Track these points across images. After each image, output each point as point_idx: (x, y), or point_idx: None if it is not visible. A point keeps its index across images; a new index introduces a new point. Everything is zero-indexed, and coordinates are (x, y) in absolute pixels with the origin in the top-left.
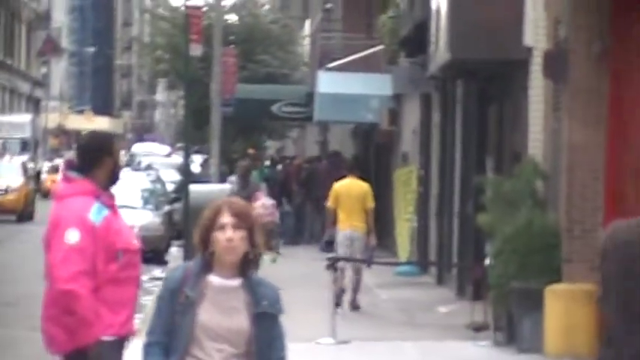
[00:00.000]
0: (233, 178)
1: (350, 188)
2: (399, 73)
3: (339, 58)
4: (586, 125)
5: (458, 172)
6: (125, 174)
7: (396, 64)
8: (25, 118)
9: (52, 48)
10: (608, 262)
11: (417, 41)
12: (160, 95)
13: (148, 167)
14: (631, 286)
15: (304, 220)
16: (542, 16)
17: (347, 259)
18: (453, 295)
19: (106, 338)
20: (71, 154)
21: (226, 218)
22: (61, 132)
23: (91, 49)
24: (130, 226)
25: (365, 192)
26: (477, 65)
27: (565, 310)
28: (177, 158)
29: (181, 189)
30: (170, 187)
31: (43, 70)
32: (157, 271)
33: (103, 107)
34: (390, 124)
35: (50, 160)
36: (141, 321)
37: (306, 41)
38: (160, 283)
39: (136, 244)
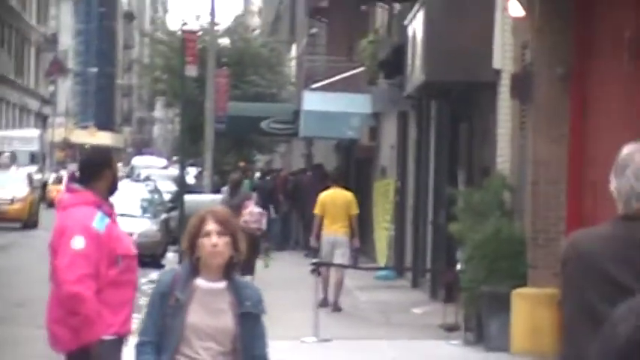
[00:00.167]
0: (226, 188)
1: (335, 197)
2: (378, 93)
3: (323, 79)
4: (549, 142)
5: (432, 184)
6: (125, 185)
7: (376, 84)
8: (33, 132)
9: (58, 68)
10: (570, 268)
11: (394, 64)
12: (158, 112)
13: (147, 178)
14: (590, 291)
15: (290, 227)
16: (509, 41)
17: (330, 264)
18: (426, 298)
19: (107, 337)
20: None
21: (211, 226)
22: (66, 146)
23: (95, 70)
24: (128, 233)
25: (349, 200)
26: (450, 86)
27: (530, 312)
28: (174, 170)
29: (177, 199)
30: (167, 196)
31: (51, 88)
32: (154, 274)
33: (105, 123)
34: (369, 140)
35: (56, 171)
36: (138, 320)
37: (293, 63)
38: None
39: (133, 250)
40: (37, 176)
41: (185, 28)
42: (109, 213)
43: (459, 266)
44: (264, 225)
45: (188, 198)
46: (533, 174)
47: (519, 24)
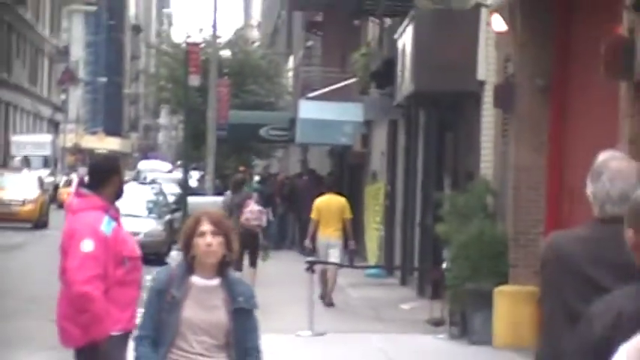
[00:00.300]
0: (229, 192)
1: (329, 203)
2: (369, 103)
3: (318, 89)
4: (530, 149)
5: (420, 188)
6: (132, 187)
7: (367, 94)
8: (46, 138)
9: (70, 78)
10: (548, 268)
11: (385, 75)
12: (163, 119)
13: (152, 182)
14: (568, 290)
15: (286, 228)
16: (492, 54)
17: (325, 263)
18: (414, 295)
19: (114, 333)
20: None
21: (205, 226)
22: (76, 150)
23: (104, 79)
24: (134, 233)
25: (342, 205)
26: (437, 96)
27: (511, 308)
28: (178, 174)
29: (181, 200)
30: (171, 198)
31: (62, 97)
32: None
33: (113, 129)
34: (361, 146)
35: (67, 174)
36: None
37: (290, 74)
38: None
39: (137, 251)
40: (49, 179)
41: (189, 40)
42: (116, 217)
43: (444, 265)
44: (264, 222)
45: (191, 200)
46: (514, 179)
47: (502, 38)
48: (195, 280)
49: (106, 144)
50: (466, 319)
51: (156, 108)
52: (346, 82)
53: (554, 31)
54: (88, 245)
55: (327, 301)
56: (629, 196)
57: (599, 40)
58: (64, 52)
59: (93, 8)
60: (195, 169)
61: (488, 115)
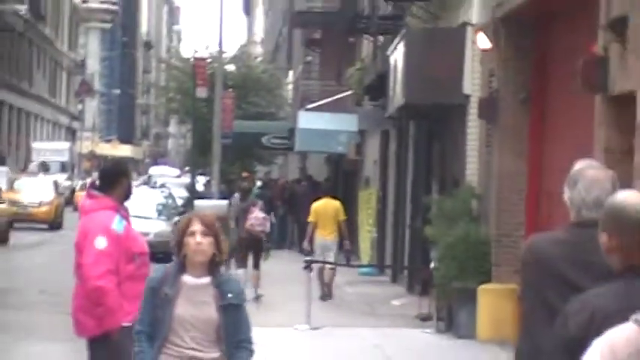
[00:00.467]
0: (237, 195)
1: (326, 207)
2: (363, 114)
3: (316, 101)
4: (512, 157)
5: (409, 193)
6: (143, 191)
7: (362, 106)
8: (64, 145)
9: (86, 90)
10: (528, 268)
11: (378, 88)
12: (172, 128)
13: (162, 186)
14: (547, 289)
15: (286, 230)
16: (478, 70)
17: (321, 262)
18: (404, 292)
19: (125, 324)
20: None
21: (196, 226)
22: (92, 157)
23: (118, 91)
24: (145, 233)
25: (337, 209)
26: (426, 108)
27: (494, 304)
28: (186, 179)
29: (188, 203)
30: (179, 201)
31: (79, 107)
32: None
33: (126, 137)
34: (355, 154)
35: (83, 179)
36: None
37: (290, 87)
38: None
39: (146, 247)
40: (67, 183)
41: (196, 55)
42: (125, 216)
43: (432, 264)
44: (267, 228)
45: (198, 203)
46: (497, 185)
47: (486, 55)
48: (187, 278)
49: (119, 151)
50: (452, 315)
51: (166, 118)
52: (342, 95)
53: (535, 49)
54: (101, 243)
55: (327, 293)
56: (603, 202)
57: (576, 57)
58: (81, 66)
59: (108, 25)
60: (201, 174)
61: (473, 125)
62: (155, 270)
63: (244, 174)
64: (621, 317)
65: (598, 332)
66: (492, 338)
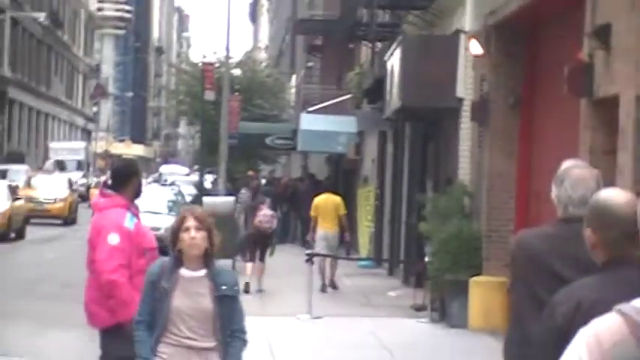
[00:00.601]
0: (244, 191)
1: (327, 201)
2: (362, 116)
3: (317, 104)
4: (502, 157)
5: (405, 191)
6: (155, 188)
7: (360, 108)
8: (80, 144)
9: (101, 92)
10: (517, 261)
11: (376, 92)
12: (182, 129)
13: (172, 183)
14: (535, 281)
15: (289, 225)
16: (470, 74)
17: (322, 255)
18: (400, 284)
19: None
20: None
21: (190, 222)
22: (106, 156)
23: (130, 94)
24: (156, 228)
25: (338, 203)
26: (421, 111)
27: (484, 296)
28: (194, 177)
29: (197, 200)
30: (188, 198)
31: (94, 109)
32: None
33: (138, 137)
34: (354, 154)
35: (98, 177)
36: None
37: (293, 90)
38: None
39: (155, 242)
40: (82, 181)
41: (204, 61)
42: (136, 213)
43: (427, 258)
44: (274, 225)
45: (206, 200)
46: (488, 183)
47: (478, 61)
48: (183, 271)
49: (132, 150)
50: (445, 305)
51: (176, 119)
52: (342, 98)
53: (524, 55)
54: (114, 239)
55: (331, 285)
56: (588, 199)
57: (563, 63)
58: (96, 70)
59: (121, 32)
60: (209, 172)
61: (466, 127)
62: (153, 264)
63: (250, 172)
64: (605, 307)
65: (583, 322)
66: (483, 328)
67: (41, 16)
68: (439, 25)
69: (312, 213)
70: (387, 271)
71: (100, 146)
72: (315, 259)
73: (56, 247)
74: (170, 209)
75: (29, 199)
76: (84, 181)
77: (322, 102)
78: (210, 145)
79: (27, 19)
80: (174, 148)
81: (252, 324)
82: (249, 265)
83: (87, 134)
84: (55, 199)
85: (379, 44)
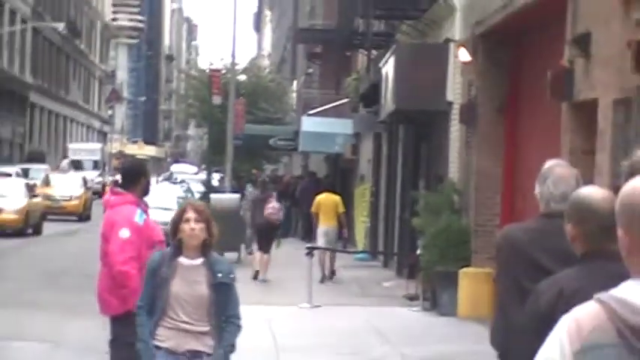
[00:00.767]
0: (250, 189)
1: (327, 199)
2: (358, 119)
3: (317, 107)
4: (488, 157)
5: (399, 188)
6: (166, 186)
7: (357, 112)
8: (96, 145)
9: (116, 97)
10: (502, 254)
11: (371, 96)
12: (191, 131)
13: (182, 181)
14: (519, 272)
15: (291, 220)
16: (459, 80)
17: (323, 249)
18: (394, 275)
19: None
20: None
21: (190, 214)
22: (121, 156)
23: (143, 98)
24: (165, 224)
25: (337, 201)
26: (414, 114)
27: (472, 286)
28: (202, 175)
29: (204, 197)
30: (197, 195)
31: (110, 112)
32: None
33: (150, 139)
34: (351, 154)
35: (113, 176)
36: None
37: (294, 95)
38: None
39: (163, 236)
40: (98, 179)
41: (212, 67)
42: (145, 210)
43: (419, 251)
44: (281, 216)
45: (213, 196)
46: (475, 181)
47: (466, 67)
48: (182, 260)
49: (144, 151)
50: (436, 295)
51: (185, 122)
52: (340, 102)
53: (509, 62)
54: (125, 233)
55: (330, 273)
56: (569, 196)
57: (545, 69)
58: (111, 76)
59: (135, 41)
60: (216, 171)
61: (455, 129)
62: (154, 253)
63: (254, 171)
64: (585, 296)
65: (565, 309)
66: (471, 316)
67: (60, 26)
68: (430, 34)
69: (314, 210)
70: (381, 263)
71: (114, 147)
72: (315, 252)
73: (73, 241)
74: (180, 205)
75: (46, 197)
76: (100, 179)
77: (321, 106)
78: (217, 146)
79: (47, 29)
80: (183, 149)
81: (257, 312)
82: (258, 254)
83: (103, 136)
84: (71, 197)
85: (374, 52)
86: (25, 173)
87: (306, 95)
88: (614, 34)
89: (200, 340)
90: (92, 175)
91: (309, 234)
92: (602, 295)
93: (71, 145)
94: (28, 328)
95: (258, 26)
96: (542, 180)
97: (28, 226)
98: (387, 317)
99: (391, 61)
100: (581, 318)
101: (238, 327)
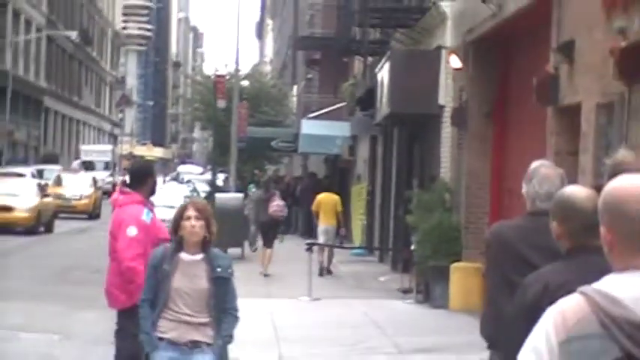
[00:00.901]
0: (254, 189)
1: (327, 198)
2: (355, 121)
3: (316, 111)
4: (478, 158)
5: (394, 187)
6: (173, 186)
7: (354, 115)
8: (107, 147)
9: (125, 101)
10: (491, 249)
11: (367, 100)
12: (197, 133)
13: (188, 181)
14: (507, 267)
15: (291, 218)
16: (450, 85)
17: (322, 245)
18: (389, 269)
19: None
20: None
21: (191, 212)
22: (130, 157)
23: (151, 103)
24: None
25: (336, 201)
26: (407, 117)
27: (463, 280)
28: (208, 176)
29: (210, 196)
30: (202, 194)
31: (120, 115)
32: None
33: (158, 141)
34: (349, 155)
35: (123, 176)
36: None
37: (294, 99)
38: None
39: (168, 235)
40: (109, 179)
41: (216, 73)
42: (151, 209)
43: (412, 246)
44: (285, 213)
45: (218, 196)
46: (466, 181)
47: (457, 73)
48: (183, 255)
49: (152, 152)
50: (429, 288)
51: (191, 125)
52: (337, 106)
53: (498, 68)
54: (132, 231)
55: (327, 270)
56: (553, 195)
57: (531, 75)
58: (121, 82)
59: (143, 48)
60: (221, 171)
61: (447, 132)
62: (156, 249)
63: (256, 171)
64: (569, 289)
65: (551, 301)
66: (462, 308)
67: (73, 35)
68: (423, 41)
69: (314, 208)
70: (377, 258)
71: (124, 149)
72: (315, 249)
73: (82, 239)
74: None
75: (57, 196)
76: (110, 179)
77: (320, 109)
78: (222, 148)
79: (60, 38)
80: (190, 151)
81: (260, 305)
82: (268, 251)
83: (113, 138)
84: (81, 196)
85: (370, 58)
86: (40, 174)
87: (305, 99)
88: (596, 42)
89: (200, 330)
90: (103, 176)
91: (309, 231)
92: (586, 289)
93: (83, 147)
94: (40, 320)
95: (260, 34)
96: (528, 180)
97: (39, 224)
98: (382, 309)
99: (386, 67)
100: (566, 310)
101: (236, 318)
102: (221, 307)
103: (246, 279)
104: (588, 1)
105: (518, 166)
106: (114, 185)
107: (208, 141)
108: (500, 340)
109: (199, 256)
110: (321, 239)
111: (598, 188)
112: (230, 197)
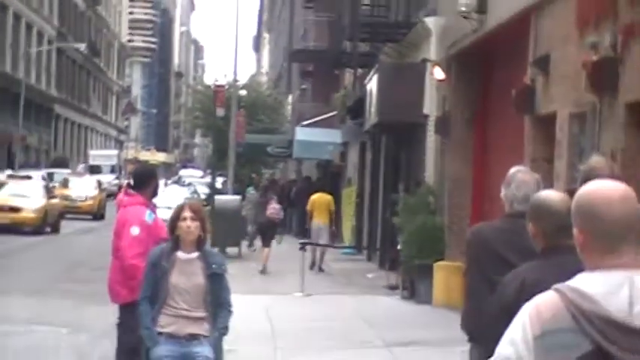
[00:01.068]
0: (252, 192)
1: (320, 198)
2: (346, 129)
3: (309, 119)
4: (460, 164)
5: (381, 191)
6: (175, 188)
7: (345, 123)
8: (113, 152)
9: (131, 109)
10: (472, 249)
11: (357, 109)
12: (197, 139)
13: (189, 184)
14: (487, 265)
15: (286, 220)
16: (434, 95)
17: (315, 244)
18: (376, 267)
19: None
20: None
21: (187, 213)
22: (135, 161)
23: (155, 111)
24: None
25: (329, 201)
26: (394, 125)
27: (446, 278)
28: (208, 179)
29: (209, 198)
30: (202, 196)
31: (125, 122)
32: None
33: (161, 146)
34: (340, 160)
35: (128, 179)
36: None
37: (289, 108)
38: None
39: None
40: (115, 182)
41: (216, 83)
42: (153, 209)
43: (399, 246)
44: (281, 215)
45: (217, 198)
46: (449, 185)
47: (441, 84)
48: (180, 254)
49: (156, 157)
50: (414, 285)
51: (192, 131)
52: (329, 114)
53: (479, 80)
54: (135, 230)
55: (319, 268)
56: (530, 198)
57: (510, 86)
58: (127, 91)
59: (148, 60)
60: (220, 175)
61: (431, 139)
62: (154, 248)
63: (253, 175)
64: (545, 286)
65: (527, 298)
66: (445, 304)
67: (82, 47)
68: (410, 55)
69: (309, 208)
70: (366, 257)
71: (129, 154)
72: (308, 247)
73: (88, 238)
74: (178, 205)
75: (64, 198)
76: (116, 182)
77: (313, 117)
78: (221, 153)
79: (70, 49)
80: (191, 155)
81: (256, 300)
82: (266, 250)
83: (119, 144)
84: (86, 198)
85: (360, 70)
86: (50, 177)
87: (300, 108)
88: (570, 55)
89: (198, 324)
90: (109, 179)
91: (302, 231)
92: (560, 286)
93: (91, 152)
94: (48, 315)
95: (257, 47)
96: (507, 184)
97: (46, 224)
98: (370, 305)
99: (375, 79)
100: (541, 305)
101: (230, 312)
102: (216, 301)
103: (243, 276)
104: (563, 19)
105: (497, 171)
106: (119, 188)
107: (208, 147)
108: (479, 334)
109: (195, 255)
110: (314, 237)
111: (571, 192)
112: (228, 199)
